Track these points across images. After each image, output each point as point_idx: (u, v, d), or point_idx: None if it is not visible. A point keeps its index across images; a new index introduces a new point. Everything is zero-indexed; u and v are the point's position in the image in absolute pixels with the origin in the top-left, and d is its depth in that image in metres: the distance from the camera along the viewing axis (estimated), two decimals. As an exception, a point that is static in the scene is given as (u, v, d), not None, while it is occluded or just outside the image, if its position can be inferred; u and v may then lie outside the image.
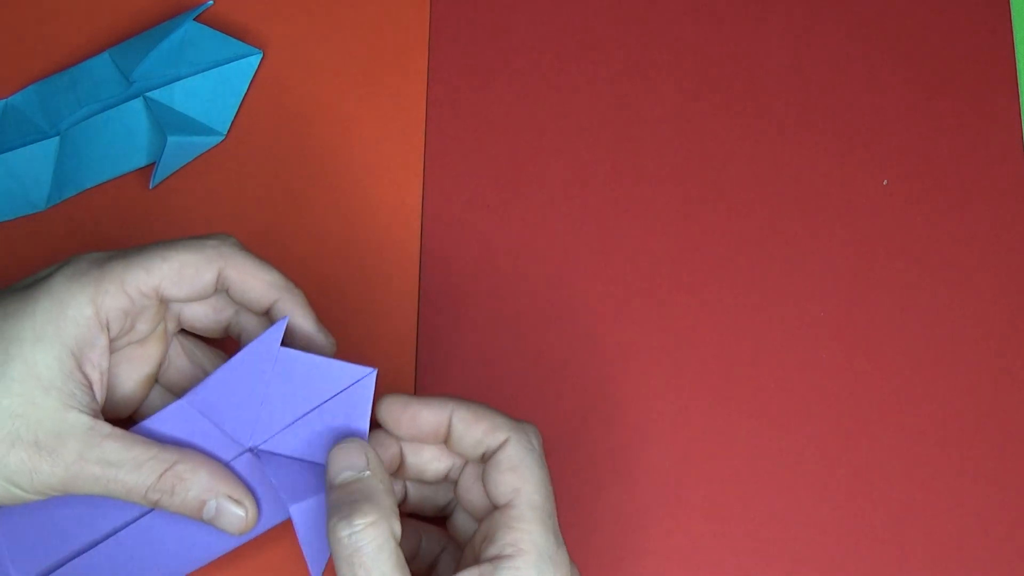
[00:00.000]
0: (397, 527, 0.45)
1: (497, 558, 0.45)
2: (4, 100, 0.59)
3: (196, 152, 0.59)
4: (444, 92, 0.61)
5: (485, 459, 0.47)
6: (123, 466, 0.47)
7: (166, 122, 0.58)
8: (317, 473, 0.48)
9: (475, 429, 0.47)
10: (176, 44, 0.59)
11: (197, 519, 0.48)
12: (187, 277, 0.48)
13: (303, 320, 0.50)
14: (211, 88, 0.59)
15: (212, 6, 0.61)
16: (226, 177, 0.59)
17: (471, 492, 0.48)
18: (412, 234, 0.58)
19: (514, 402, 0.56)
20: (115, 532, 0.49)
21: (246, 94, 0.60)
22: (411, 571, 0.47)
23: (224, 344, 0.53)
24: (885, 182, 0.60)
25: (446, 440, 0.48)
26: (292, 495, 0.47)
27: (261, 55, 0.60)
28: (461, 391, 0.56)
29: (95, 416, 0.47)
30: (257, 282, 0.49)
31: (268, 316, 0.50)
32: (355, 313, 0.57)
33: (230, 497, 0.48)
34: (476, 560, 0.46)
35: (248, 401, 0.48)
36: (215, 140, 0.59)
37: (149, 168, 0.59)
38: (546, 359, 0.56)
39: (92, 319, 0.47)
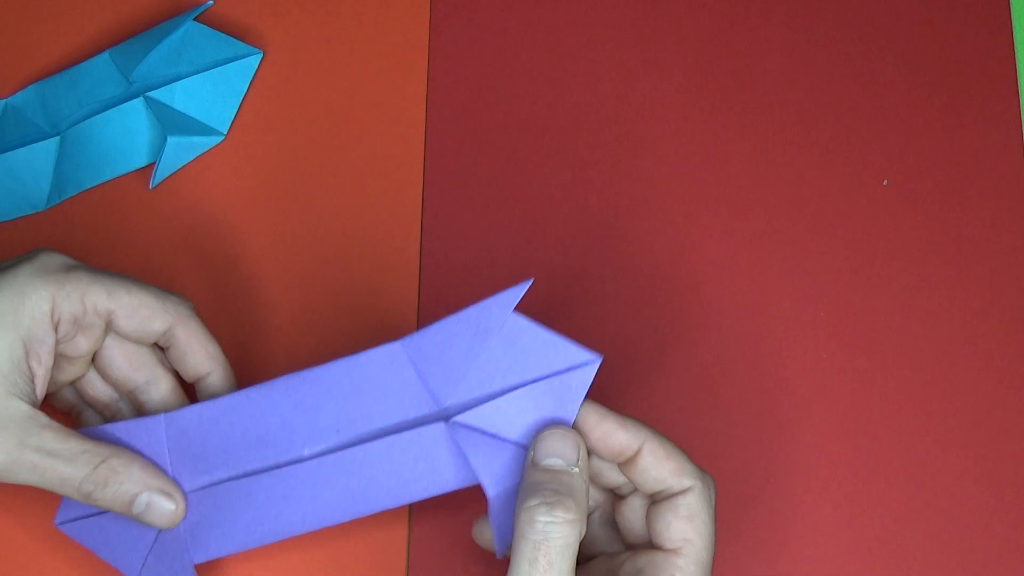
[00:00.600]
0: (584, 531, 0.45)
1: None
2: (4, 100, 0.59)
3: (196, 152, 0.59)
4: (444, 92, 0.61)
5: (658, 497, 0.47)
6: (59, 456, 0.48)
7: (166, 122, 0.58)
8: (514, 455, 0.47)
9: (663, 467, 0.46)
10: (176, 44, 0.59)
11: (126, 514, 0.49)
12: (141, 317, 0.50)
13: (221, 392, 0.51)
14: (211, 88, 0.59)
15: (212, 6, 0.61)
16: (226, 177, 0.59)
17: (634, 517, 0.48)
18: (412, 234, 0.58)
19: (514, 402, 0.56)
20: (277, 467, 0.49)
21: (246, 94, 0.60)
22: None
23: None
24: (885, 182, 0.60)
25: (626, 464, 0.47)
26: (491, 481, 0.47)
27: (261, 55, 0.60)
28: (461, 391, 0.56)
29: (33, 405, 0.48)
30: (201, 350, 0.51)
31: (196, 387, 0.52)
32: (355, 313, 0.57)
33: (161, 491, 0.49)
34: None
35: (461, 359, 0.48)
36: (215, 140, 0.59)
37: (149, 168, 0.59)
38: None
39: (47, 316, 0.48)
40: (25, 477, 0.48)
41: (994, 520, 0.54)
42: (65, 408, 0.53)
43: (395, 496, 0.48)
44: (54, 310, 0.48)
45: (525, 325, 0.48)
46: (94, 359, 0.52)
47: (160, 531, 0.50)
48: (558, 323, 0.57)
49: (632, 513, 0.48)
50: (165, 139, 0.57)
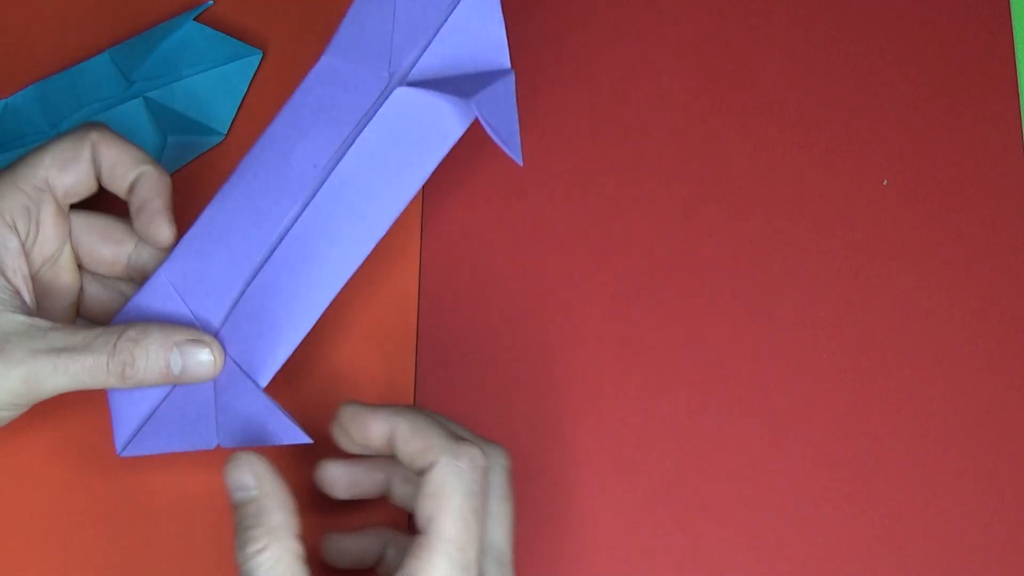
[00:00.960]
0: (294, 543, 0.44)
1: None
2: (4, 100, 0.59)
3: (196, 152, 0.59)
4: (444, 92, 0.61)
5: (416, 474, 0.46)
6: (75, 349, 0.47)
7: (166, 122, 0.58)
8: (473, 78, 0.48)
9: (410, 446, 0.45)
10: (176, 44, 0.59)
11: (169, 381, 0.48)
12: (68, 160, 0.49)
13: (154, 196, 0.50)
14: (211, 88, 0.59)
15: (212, 6, 0.61)
16: (226, 177, 0.59)
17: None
18: (412, 234, 0.58)
19: (514, 402, 0.56)
20: (279, 241, 0.49)
21: (246, 94, 0.60)
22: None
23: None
24: (885, 182, 0.60)
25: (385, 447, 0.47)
26: (465, 95, 0.47)
27: (261, 55, 0.60)
28: (460, 391, 0.56)
29: (30, 315, 0.47)
30: (125, 156, 0.50)
31: (131, 194, 0.51)
32: (355, 313, 0.57)
33: (188, 341, 0.48)
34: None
35: (383, 33, 0.49)
36: (215, 140, 0.59)
37: (149, 168, 0.59)
38: (546, 359, 0.56)
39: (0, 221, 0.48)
40: (53, 384, 0.47)
41: (994, 520, 0.54)
42: (106, 315, 0.53)
43: (409, 181, 0.48)
44: (1, 214, 0.48)
45: None
46: (81, 269, 0.52)
47: (215, 383, 0.49)
48: (561, 322, 0.57)
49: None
50: (165, 139, 0.57)
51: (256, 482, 0.45)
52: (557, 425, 0.55)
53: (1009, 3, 0.62)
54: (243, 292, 0.49)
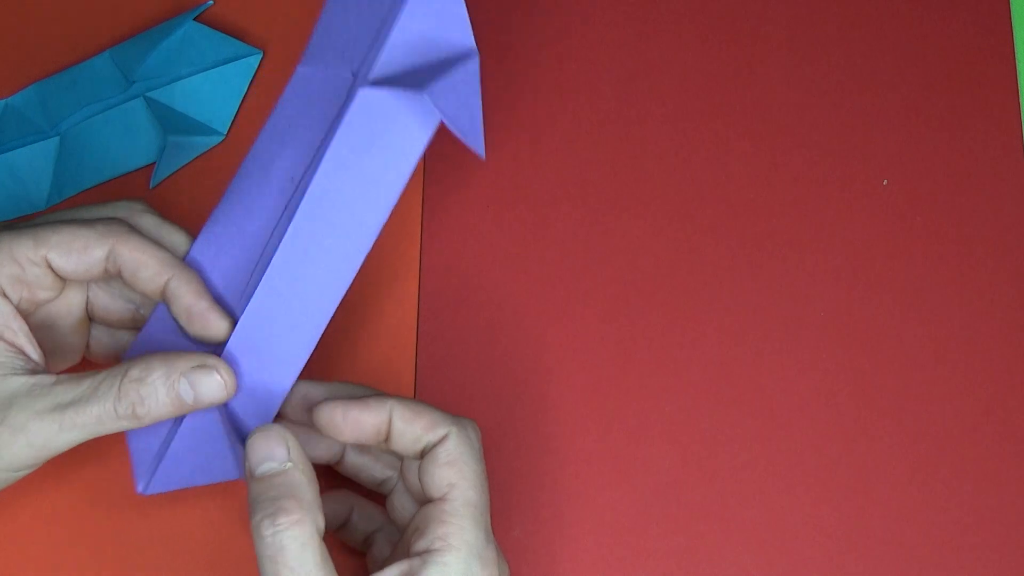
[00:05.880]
0: (321, 520, 0.44)
1: (427, 552, 0.45)
2: (4, 100, 0.59)
3: (196, 152, 0.59)
4: (444, 92, 0.61)
5: (424, 455, 0.47)
6: (80, 400, 0.46)
7: (166, 122, 0.58)
8: (436, 65, 0.46)
9: (415, 426, 0.47)
10: (176, 44, 0.59)
11: (183, 411, 0.47)
12: (76, 250, 0.48)
13: (195, 299, 0.49)
14: (211, 88, 0.59)
15: (212, 6, 0.61)
16: (226, 177, 0.59)
17: (414, 477, 0.48)
18: (412, 235, 0.58)
19: (513, 402, 0.56)
20: (266, 267, 0.47)
21: (246, 94, 0.60)
22: (343, 542, 0.48)
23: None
24: (885, 182, 0.60)
25: (386, 439, 0.48)
26: (420, 87, 0.45)
27: (261, 55, 0.60)
28: (460, 391, 0.56)
29: (34, 373, 0.46)
30: (151, 260, 0.48)
31: (162, 298, 0.49)
32: (355, 314, 0.57)
33: (194, 368, 0.47)
34: (407, 552, 0.46)
35: (347, 36, 0.47)
36: (215, 140, 0.59)
37: (149, 168, 0.59)
38: (546, 359, 0.56)
39: None
40: (63, 441, 0.46)
41: (994, 520, 0.54)
42: (111, 358, 0.52)
43: (389, 184, 0.46)
44: None
45: None
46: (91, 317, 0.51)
47: (226, 410, 0.48)
48: (561, 322, 0.57)
49: (412, 476, 0.48)
50: (165, 139, 0.57)
51: (289, 455, 0.45)
52: (557, 425, 0.55)
53: (1009, 3, 0.62)
54: (240, 319, 0.48)
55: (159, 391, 0.46)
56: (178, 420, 0.48)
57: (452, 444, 0.47)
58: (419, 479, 0.47)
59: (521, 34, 0.62)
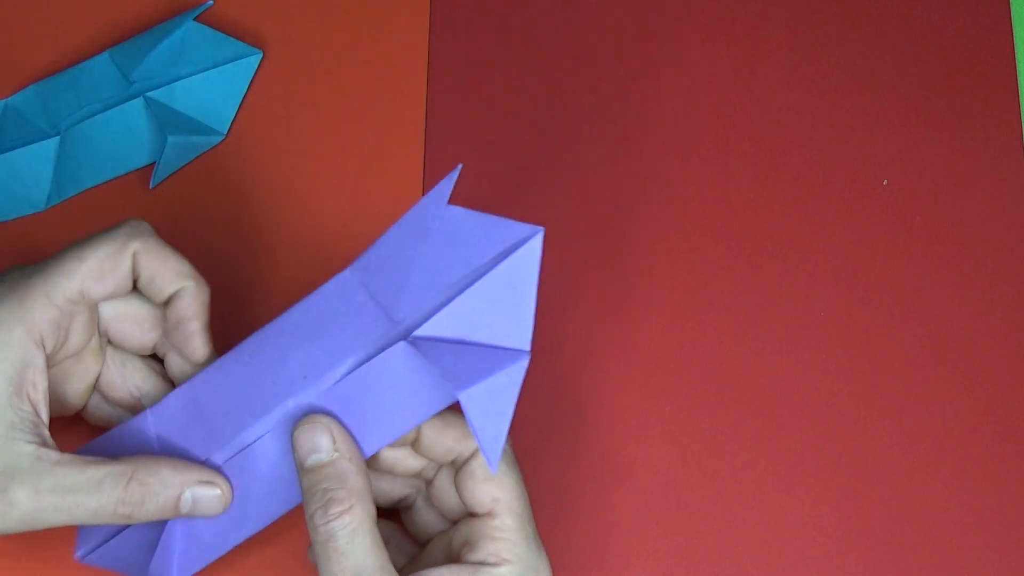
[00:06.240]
0: (371, 506, 0.45)
1: (481, 564, 0.45)
2: (4, 100, 0.59)
3: (196, 152, 0.59)
4: (444, 92, 0.61)
5: (456, 465, 0.47)
6: (81, 490, 0.45)
7: (166, 122, 0.58)
8: (481, 353, 0.44)
9: (445, 436, 0.47)
10: (176, 44, 0.59)
11: (175, 516, 0.47)
12: (107, 271, 0.48)
13: (195, 317, 0.49)
14: (211, 88, 0.59)
15: (212, 6, 0.61)
16: (226, 177, 0.59)
17: (445, 493, 0.48)
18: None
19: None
20: (254, 440, 0.47)
21: (246, 94, 0.60)
22: None
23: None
24: (885, 182, 0.60)
25: (414, 444, 0.48)
26: (457, 381, 0.43)
27: (261, 55, 0.60)
28: (461, 391, 0.56)
29: (42, 443, 0.46)
30: (166, 269, 0.49)
31: (168, 307, 0.49)
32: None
33: (199, 482, 0.47)
34: (452, 559, 0.47)
35: (406, 266, 0.46)
36: (215, 140, 0.59)
37: (149, 168, 0.59)
38: (546, 359, 0.56)
39: (25, 338, 0.46)
40: (51, 520, 0.45)
41: (994, 520, 0.54)
42: (101, 422, 0.52)
43: (379, 435, 0.46)
44: (30, 330, 0.46)
45: (461, 214, 0.45)
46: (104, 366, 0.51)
47: (183, 520, 0.48)
48: (560, 322, 0.57)
49: (443, 491, 0.48)
50: (165, 139, 0.57)
51: (335, 445, 0.46)
52: (557, 425, 0.55)
53: (1009, 3, 0.62)
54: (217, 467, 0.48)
55: (161, 497, 0.46)
56: None
57: None
58: (459, 495, 0.47)
59: (521, 34, 0.62)
